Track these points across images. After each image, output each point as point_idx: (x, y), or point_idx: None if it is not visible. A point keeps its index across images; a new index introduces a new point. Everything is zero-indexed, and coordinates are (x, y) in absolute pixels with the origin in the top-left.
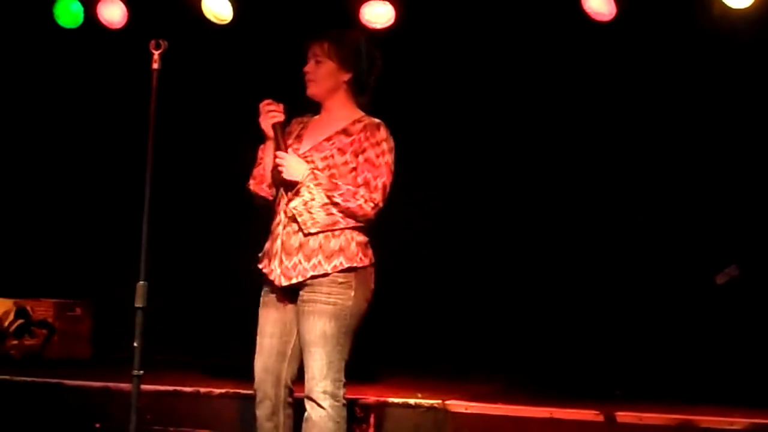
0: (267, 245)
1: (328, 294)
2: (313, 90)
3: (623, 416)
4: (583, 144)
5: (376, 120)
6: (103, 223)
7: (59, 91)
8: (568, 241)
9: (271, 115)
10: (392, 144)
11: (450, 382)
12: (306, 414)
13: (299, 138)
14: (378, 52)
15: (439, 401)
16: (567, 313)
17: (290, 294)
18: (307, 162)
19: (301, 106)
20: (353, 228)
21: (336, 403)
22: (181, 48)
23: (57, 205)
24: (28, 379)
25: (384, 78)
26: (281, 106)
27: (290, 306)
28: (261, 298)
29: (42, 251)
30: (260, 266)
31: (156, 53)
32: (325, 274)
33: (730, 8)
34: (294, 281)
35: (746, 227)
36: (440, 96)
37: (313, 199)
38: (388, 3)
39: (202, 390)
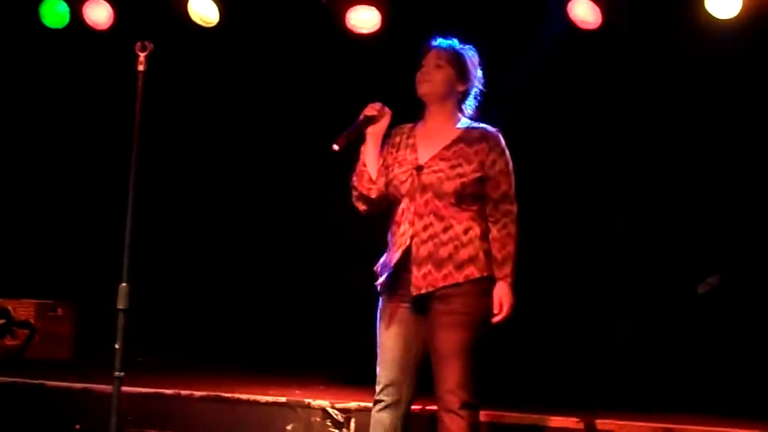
0: (388, 256)
1: (464, 305)
2: (427, 89)
3: (603, 424)
4: (567, 151)
5: (490, 127)
6: (88, 225)
7: (44, 92)
8: (549, 252)
9: (374, 108)
10: None
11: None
12: (444, 425)
13: (412, 148)
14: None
15: (420, 406)
16: (547, 321)
17: (414, 306)
18: (435, 172)
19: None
20: (481, 238)
21: (474, 412)
22: (167, 50)
23: (40, 206)
24: (9, 379)
25: (370, 82)
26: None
27: (412, 318)
28: (379, 312)
29: (24, 252)
30: (381, 279)
31: (142, 55)
32: (457, 284)
33: (715, 18)
34: (424, 291)
35: (729, 237)
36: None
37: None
38: (374, 8)
39: (183, 392)
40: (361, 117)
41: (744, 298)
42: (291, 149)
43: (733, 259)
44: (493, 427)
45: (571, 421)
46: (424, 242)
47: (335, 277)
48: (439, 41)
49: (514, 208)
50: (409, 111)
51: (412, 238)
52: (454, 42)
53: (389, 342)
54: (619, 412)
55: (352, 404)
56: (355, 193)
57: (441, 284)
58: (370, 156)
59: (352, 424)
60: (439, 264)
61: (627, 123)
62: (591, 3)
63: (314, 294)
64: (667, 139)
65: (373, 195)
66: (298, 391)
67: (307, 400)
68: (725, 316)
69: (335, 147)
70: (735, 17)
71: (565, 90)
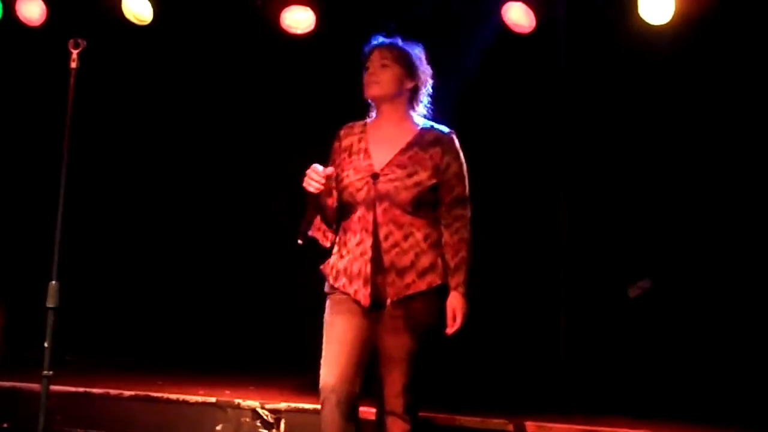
0: (344, 263)
1: (421, 311)
2: (376, 91)
3: (532, 426)
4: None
5: (445, 128)
6: (17, 221)
7: None
8: (484, 257)
9: (312, 186)
10: None
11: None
12: (387, 429)
13: (366, 153)
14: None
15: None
16: (479, 323)
17: (369, 308)
18: (392, 180)
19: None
20: (438, 245)
21: (414, 418)
22: (100, 47)
23: None
24: None
25: (305, 82)
26: (325, 177)
27: (367, 317)
28: (333, 308)
29: None
30: (335, 284)
31: (74, 52)
32: (422, 293)
33: (649, 24)
34: (389, 301)
35: (659, 241)
36: (360, 100)
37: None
38: (309, 8)
39: (112, 392)
40: (309, 196)
41: (673, 302)
42: (224, 147)
43: (663, 263)
44: (423, 429)
45: (499, 423)
46: (386, 252)
47: (266, 276)
48: (381, 40)
49: (468, 212)
50: (347, 111)
51: (374, 248)
52: (397, 40)
53: (347, 336)
54: (547, 414)
55: (282, 405)
56: (304, 238)
57: (405, 294)
58: (325, 209)
59: (282, 425)
60: (401, 272)
61: (564, 125)
62: (525, 7)
63: (246, 293)
64: (604, 143)
65: (328, 244)
66: (228, 392)
67: (236, 401)
68: (653, 319)
69: (300, 242)
70: (668, 23)
71: (500, 93)
